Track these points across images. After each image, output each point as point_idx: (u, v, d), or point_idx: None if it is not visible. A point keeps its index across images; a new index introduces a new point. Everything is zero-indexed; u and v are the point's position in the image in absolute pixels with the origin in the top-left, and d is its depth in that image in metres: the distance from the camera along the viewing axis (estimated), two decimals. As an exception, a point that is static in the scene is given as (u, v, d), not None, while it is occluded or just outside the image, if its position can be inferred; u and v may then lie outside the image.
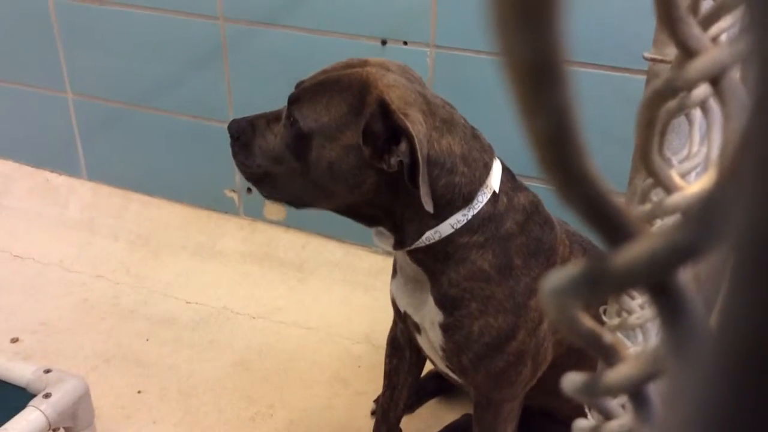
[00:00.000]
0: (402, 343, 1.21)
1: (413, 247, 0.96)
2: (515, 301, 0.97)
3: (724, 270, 0.11)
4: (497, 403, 1.06)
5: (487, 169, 0.95)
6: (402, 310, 1.09)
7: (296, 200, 1.00)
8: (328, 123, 0.92)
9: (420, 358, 1.23)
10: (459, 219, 0.94)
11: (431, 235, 0.94)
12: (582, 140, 0.12)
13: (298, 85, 0.98)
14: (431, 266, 0.98)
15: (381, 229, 0.99)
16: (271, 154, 0.97)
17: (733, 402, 0.10)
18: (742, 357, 0.10)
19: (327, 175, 0.93)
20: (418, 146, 0.85)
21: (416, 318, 1.05)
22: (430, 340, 1.04)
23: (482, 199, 0.94)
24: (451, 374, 1.10)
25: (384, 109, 0.88)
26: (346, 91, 0.92)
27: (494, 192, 0.95)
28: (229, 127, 1.01)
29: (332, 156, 0.92)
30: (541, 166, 0.13)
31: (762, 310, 0.10)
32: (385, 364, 1.24)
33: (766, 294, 0.10)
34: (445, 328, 1.00)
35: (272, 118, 0.99)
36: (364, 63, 0.96)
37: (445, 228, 0.94)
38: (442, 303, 0.99)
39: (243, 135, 0.99)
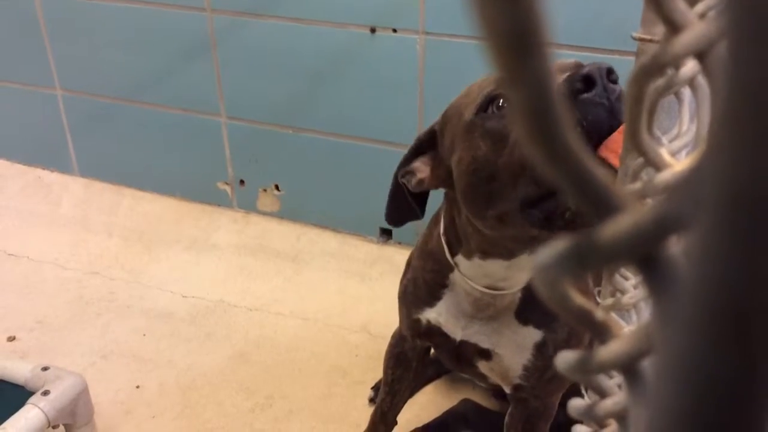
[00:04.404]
0: (410, 357, 1.14)
1: None
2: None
3: (708, 239, 0.11)
4: (549, 405, 1.00)
5: None
6: (456, 339, 0.96)
7: None
8: None
9: (425, 364, 1.19)
10: None
11: None
12: (564, 112, 0.12)
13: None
14: None
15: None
16: None
17: (716, 367, 0.10)
18: (725, 321, 0.10)
19: None
20: None
21: (486, 345, 0.94)
22: (505, 364, 0.94)
23: None
24: (507, 389, 0.99)
25: None
26: None
27: None
28: None
29: None
30: (526, 140, 0.13)
31: (737, 274, 0.10)
32: (387, 374, 1.17)
33: (742, 259, 0.10)
34: (540, 346, 0.91)
35: None
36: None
37: None
38: (540, 321, 0.90)
39: None
